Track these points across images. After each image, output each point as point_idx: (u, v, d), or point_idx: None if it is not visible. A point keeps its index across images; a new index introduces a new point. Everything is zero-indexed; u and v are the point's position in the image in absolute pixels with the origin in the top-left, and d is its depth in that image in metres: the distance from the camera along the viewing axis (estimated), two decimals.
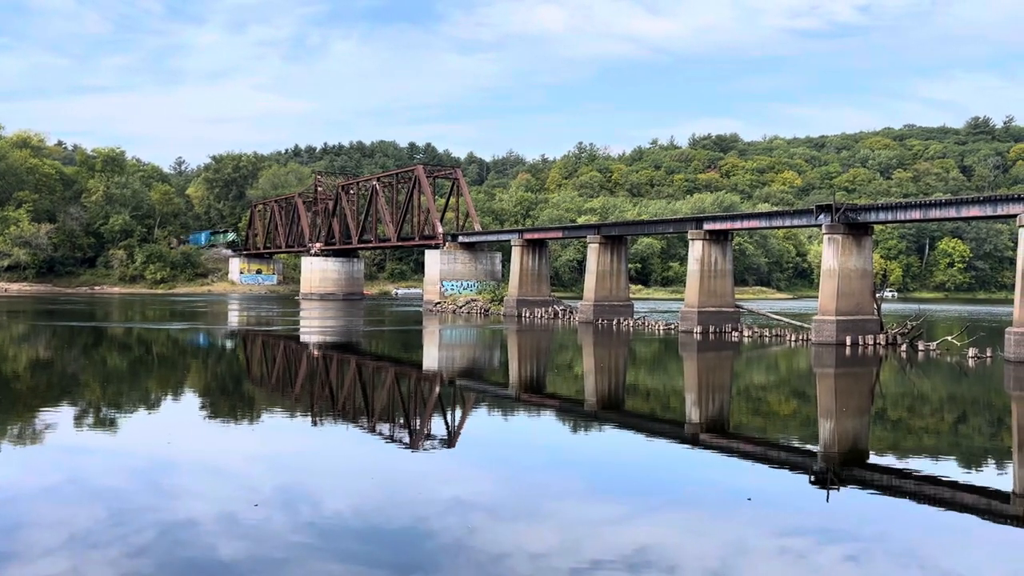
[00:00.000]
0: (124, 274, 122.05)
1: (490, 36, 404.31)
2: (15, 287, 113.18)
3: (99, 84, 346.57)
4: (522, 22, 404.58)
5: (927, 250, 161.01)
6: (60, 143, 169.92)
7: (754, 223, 51.92)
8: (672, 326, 50.41)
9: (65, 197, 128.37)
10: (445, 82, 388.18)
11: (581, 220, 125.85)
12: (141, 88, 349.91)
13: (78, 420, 18.48)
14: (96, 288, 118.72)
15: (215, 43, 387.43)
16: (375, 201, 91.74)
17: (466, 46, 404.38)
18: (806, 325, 44.38)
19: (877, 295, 42.58)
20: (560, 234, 70.59)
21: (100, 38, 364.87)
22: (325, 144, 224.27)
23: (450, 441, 16.95)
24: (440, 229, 79.62)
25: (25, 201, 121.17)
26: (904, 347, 39.03)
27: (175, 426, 18.03)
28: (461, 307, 71.36)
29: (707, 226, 49.60)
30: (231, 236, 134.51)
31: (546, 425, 19.82)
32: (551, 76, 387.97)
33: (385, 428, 18.26)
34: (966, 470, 15.23)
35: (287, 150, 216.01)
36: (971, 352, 34.96)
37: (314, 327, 52.81)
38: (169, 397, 23.04)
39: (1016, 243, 34.70)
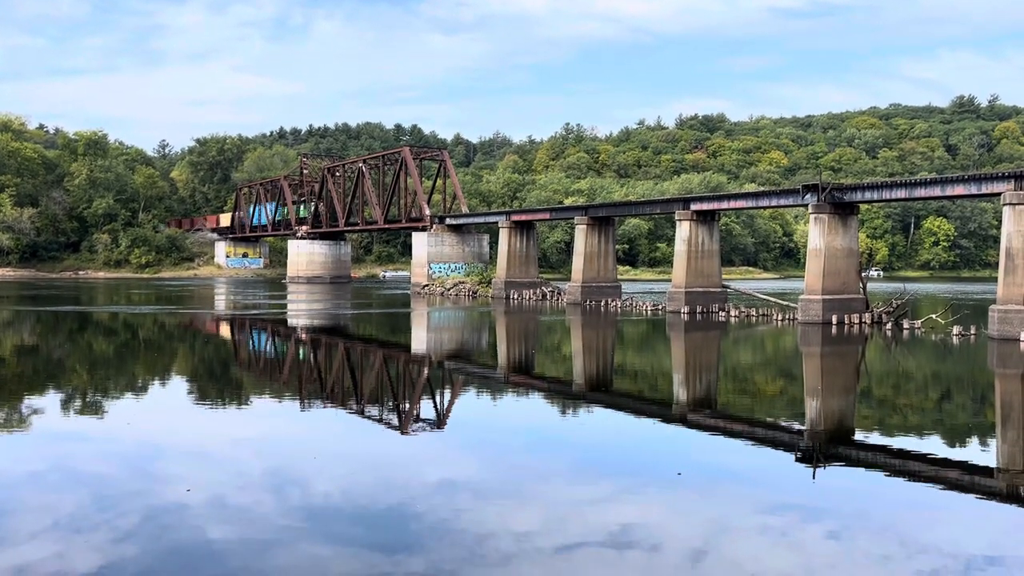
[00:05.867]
0: (108, 259, 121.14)
1: (471, 16, 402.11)
2: None
3: (78, 66, 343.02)
4: (502, 2, 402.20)
5: (912, 229, 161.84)
6: (42, 126, 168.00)
7: (741, 203, 52.01)
8: (660, 307, 50.54)
9: (47, 181, 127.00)
10: (429, 63, 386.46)
11: (569, 201, 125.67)
12: (121, 70, 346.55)
13: (63, 405, 18.37)
14: (80, 273, 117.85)
15: (196, 23, 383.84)
16: (361, 183, 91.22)
17: (448, 26, 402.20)
18: (793, 304, 44.57)
19: (863, 274, 42.80)
20: (548, 215, 70.41)
21: (77, 19, 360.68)
22: (310, 126, 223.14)
23: (439, 423, 16.97)
24: (427, 211, 79.30)
25: (7, 185, 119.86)
26: (889, 325, 39.30)
27: (161, 411, 17.98)
28: (449, 289, 71.24)
29: (694, 206, 49.65)
30: (305, 211, 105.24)
31: (534, 406, 19.87)
32: (534, 56, 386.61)
33: (374, 411, 18.25)
34: (950, 446, 15.37)
35: (272, 132, 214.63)
36: (955, 330, 35.27)
37: (301, 310, 52.64)
38: (156, 382, 22.93)
39: (1000, 221, 34.89)
